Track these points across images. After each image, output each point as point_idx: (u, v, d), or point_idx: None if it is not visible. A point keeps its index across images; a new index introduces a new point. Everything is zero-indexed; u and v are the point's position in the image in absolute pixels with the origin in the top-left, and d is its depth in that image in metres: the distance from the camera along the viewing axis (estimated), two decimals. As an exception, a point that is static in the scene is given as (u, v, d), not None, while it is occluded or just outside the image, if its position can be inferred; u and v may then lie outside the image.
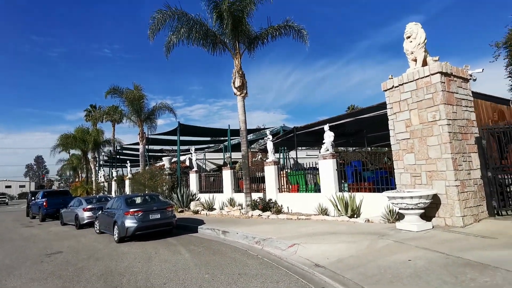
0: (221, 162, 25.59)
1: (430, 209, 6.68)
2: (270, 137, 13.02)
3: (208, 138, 30.12)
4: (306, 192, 11.46)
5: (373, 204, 8.45)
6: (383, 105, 8.61)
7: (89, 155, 33.31)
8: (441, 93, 6.72)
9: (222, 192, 15.15)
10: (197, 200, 15.96)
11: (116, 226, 9.03)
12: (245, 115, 12.46)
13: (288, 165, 21.88)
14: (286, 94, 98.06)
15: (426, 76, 7.02)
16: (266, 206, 11.38)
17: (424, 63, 7.35)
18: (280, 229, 8.03)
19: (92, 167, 32.90)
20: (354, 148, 24.74)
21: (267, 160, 12.83)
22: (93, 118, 41.14)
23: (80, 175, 50.34)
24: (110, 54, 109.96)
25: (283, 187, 12.24)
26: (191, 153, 18.62)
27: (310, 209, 10.24)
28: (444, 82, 6.88)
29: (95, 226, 11.35)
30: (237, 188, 14.56)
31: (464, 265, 4.18)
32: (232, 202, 13.57)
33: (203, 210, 14.17)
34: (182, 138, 22.98)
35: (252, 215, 11.21)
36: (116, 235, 8.94)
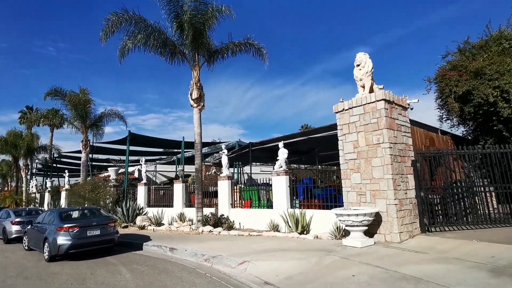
0: (173, 175, 24.63)
1: (372, 226, 7.10)
2: (226, 151, 12.93)
3: (161, 150, 28.88)
4: (258, 208, 11.48)
5: (322, 221, 8.75)
6: (334, 126, 9.12)
7: (21, 162, 29.68)
8: (385, 119, 7.35)
9: (172, 206, 14.48)
10: (144, 215, 15.01)
11: (46, 243, 8.03)
12: (201, 127, 12.25)
13: (242, 180, 21.85)
14: (244, 109, 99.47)
15: (372, 102, 7.64)
16: (218, 221, 11.11)
17: (371, 90, 8.02)
18: (231, 246, 7.86)
19: (23, 176, 29.30)
20: (306, 166, 25.69)
21: (221, 175, 12.66)
22: (28, 121, 37.07)
23: (9, 183, 44.55)
24: (54, 52, 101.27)
25: (236, 202, 12.11)
26: (140, 164, 17.62)
27: (262, 225, 10.23)
28: (387, 109, 7.54)
29: (24, 241, 10.00)
30: (189, 203, 14.05)
31: (401, 279, 4.47)
32: (182, 217, 13.02)
33: (150, 225, 13.34)
34: (132, 148, 21.71)
35: (202, 231, 10.84)
36: (47, 253, 7.94)
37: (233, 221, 11.15)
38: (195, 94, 12.12)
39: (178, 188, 14.32)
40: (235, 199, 12.15)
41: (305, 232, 8.87)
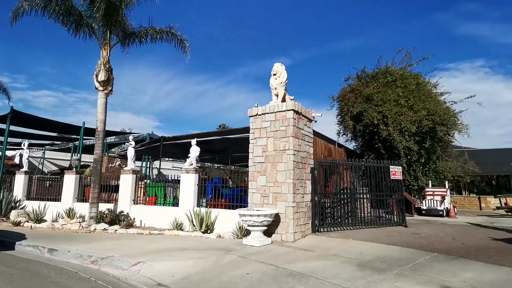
0: (66, 164, 21.47)
1: (271, 226, 7.60)
2: (133, 143, 11.94)
3: (55, 134, 24.87)
4: (164, 205, 10.97)
5: (227, 221, 8.92)
6: (248, 129, 9.43)
7: None
8: (292, 127, 7.98)
9: (59, 200, 12.55)
10: (21, 209, 12.60)
11: None
12: (105, 114, 11.00)
13: (151, 175, 20.59)
14: (162, 100, 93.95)
15: (283, 111, 8.20)
16: (116, 219, 10.14)
17: (283, 99, 8.60)
18: (126, 246, 7.26)
19: None
20: (219, 165, 25.87)
21: (125, 168, 11.62)
22: None
23: None
24: None
25: (139, 199, 11.30)
26: (22, 149, 14.75)
27: (166, 224, 9.81)
28: (295, 119, 8.21)
29: None
30: (82, 197, 12.43)
31: (288, 275, 4.89)
32: (71, 214, 11.41)
33: (28, 221, 11.26)
34: (16, 128, 18.08)
35: (95, 229, 9.72)
36: None
37: (134, 219, 10.36)
38: (102, 76, 10.83)
39: (70, 180, 12.52)
40: (139, 195, 11.33)
41: (209, 231, 8.89)
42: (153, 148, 15.43)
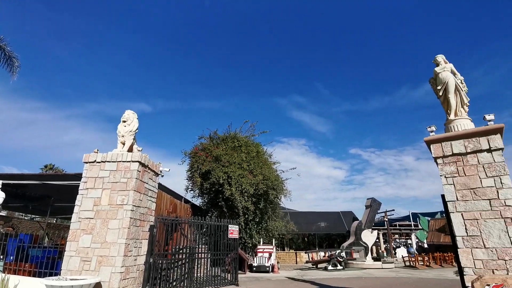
0: None
1: (89, 299, 6.26)
2: None
3: None
4: None
5: (25, 295, 6.73)
6: (81, 176, 8.05)
7: None
8: (135, 180, 7.41)
9: None
10: None
11: None
12: None
13: None
14: (-41, 121, 68.57)
15: (128, 161, 7.58)
16: None
17: (130, 149, 8.03)
18: None
19: None
20: (33, 216, 20.26)
21: None
22: None
23: None
24: None
25: None
26: None
27: None
28: (140, 171, 7.72)
29: None
30: None
31: None
32: None
33: None
34: None
35: None
36: None
37: None
38: None
39: None
40: None
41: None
42: None
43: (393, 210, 28.22)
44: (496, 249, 5.51)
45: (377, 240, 24.23)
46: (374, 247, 22.63)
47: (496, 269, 5.40)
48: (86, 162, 7.63)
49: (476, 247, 5.64)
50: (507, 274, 5.31)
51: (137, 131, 8.35)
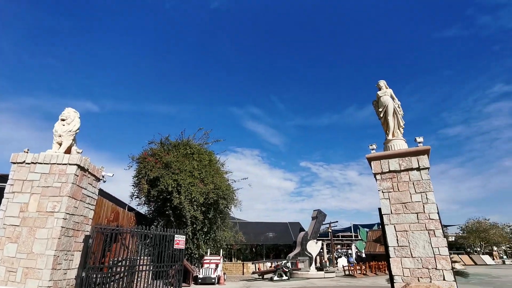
0: None
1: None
2: None
3: None
4: None
5: None
6: (7, 177, 7.10)
7: None
8: (71, 185, 6.75)
9: None
10: None
11: None
12: None
13: None
14: None
15: (64, 164, 6.90)
16: None
17: (68, 151, 7.33)
18: None
19: None
20: None
21: None
22: None
23: None
24: None
25: None
26: None
27: None
28: (78, 176, 7.06)
29: None
30: None
31: None
32: None
33: None
34: None
35: None
36: None
37: None
38: None
39: None
40: None
41: None
42: None
43: (337, 221, 29.80)
44: (421, 259, 6.12)
45: (321, 250, 25.27)
46: (318, 257, 23.55)
47: (421, 277, 5.99)
48: (14, 163, 6.77)
49: (405, 257, 6.20)
50: (430, 282, 5.92)
51: (78, 131, 7.68)
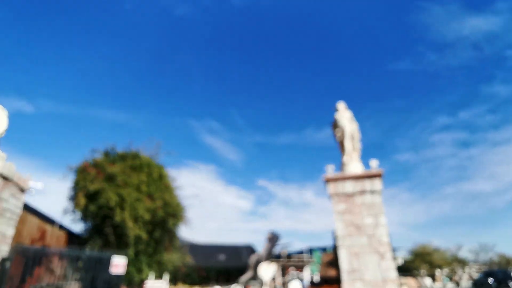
0: None
1: None
2: None
3: None
4: None
5: None
6: None
7: None
8: (-14, 196, 5.62)
9: None
10: None
11: None
12: None
13: None
14: None
15: (-21, 170, 5.76)
16: None
17: (-12, 155, 6.19)
18: None
19: None
20: None
21: None
22: None
23: None
24: None
25: None
26: None
27: None
28: (-3, 185, 5.96)
29: None
30: None
31: None
32: None
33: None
34: None
35: None
36: None
37: None
38: None
39: None
40: None
41: None
42: None
43: (291, 243, 29.81)
44: (371, 281, 6.15)
45: (275, 273, 24.86)
46: (270, 281, 23.04)
47: (372, 301, 5.98)
48: None
49: (358, 279, 6.18)
50: (380, 305, 5.94)
51: (3, 134, 6.57)
